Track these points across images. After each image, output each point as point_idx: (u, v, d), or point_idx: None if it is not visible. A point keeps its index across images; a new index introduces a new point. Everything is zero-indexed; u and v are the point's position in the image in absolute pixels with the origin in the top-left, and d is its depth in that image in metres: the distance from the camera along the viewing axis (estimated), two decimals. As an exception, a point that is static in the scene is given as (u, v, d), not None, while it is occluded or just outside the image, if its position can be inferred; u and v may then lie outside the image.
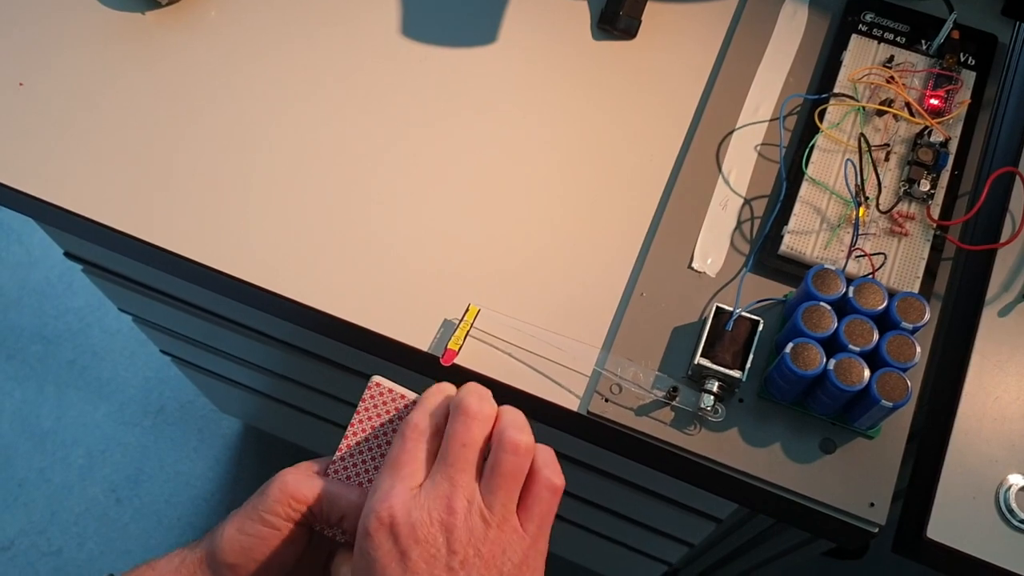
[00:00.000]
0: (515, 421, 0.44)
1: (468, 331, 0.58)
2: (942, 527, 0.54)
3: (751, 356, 0.55)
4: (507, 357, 0.59)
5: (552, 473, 0.43)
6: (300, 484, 0.46)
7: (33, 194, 0.63)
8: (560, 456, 0.74)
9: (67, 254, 0.82)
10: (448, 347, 0.57)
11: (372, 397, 0.48)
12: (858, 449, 0.55)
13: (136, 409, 1.40)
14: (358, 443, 0.48)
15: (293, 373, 0.93)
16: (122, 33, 0.69)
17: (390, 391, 0.48)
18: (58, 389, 1.41)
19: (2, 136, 0.65)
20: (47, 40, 0.68)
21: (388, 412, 0.48)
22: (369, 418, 0.48)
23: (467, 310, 0.59)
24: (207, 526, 1.31)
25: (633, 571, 1.07)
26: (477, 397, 0.44)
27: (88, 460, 1.36)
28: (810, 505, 0.55)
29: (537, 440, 0.44)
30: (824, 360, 0.52)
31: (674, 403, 0.56)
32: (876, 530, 0.54)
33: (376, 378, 0.49)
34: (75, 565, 1.29)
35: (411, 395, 0.48)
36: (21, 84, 0.67)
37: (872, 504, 0.54)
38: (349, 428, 0.48)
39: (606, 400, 0.57)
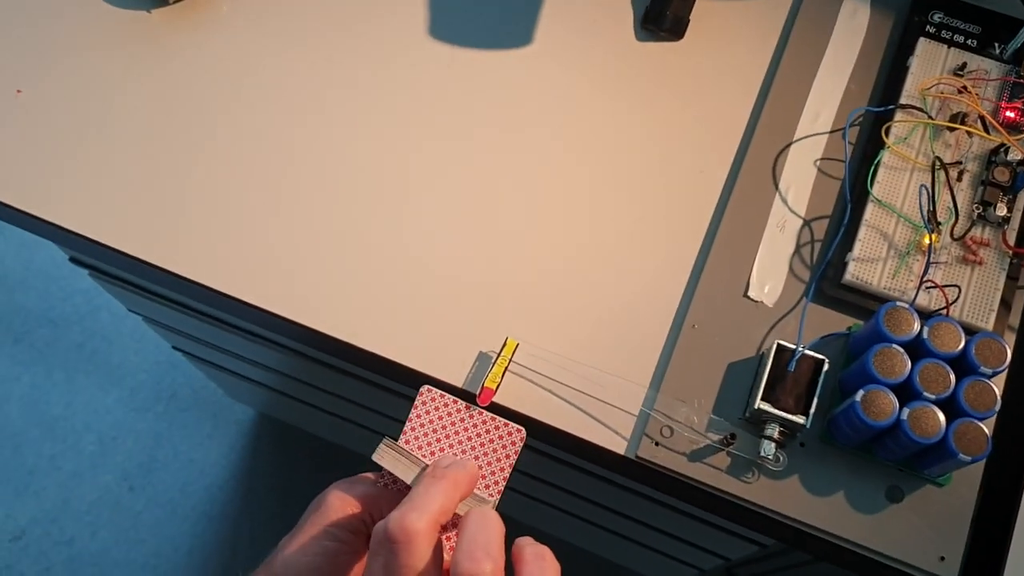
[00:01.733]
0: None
1: (506, 367, 0.54)
2: (1018, 585, 0.51)
3: (815, 400, 0.51)
4: (548, 395, 0.55)
5: None
6: (356, 493, 0.44)
7: (33, 212, 0.59)
8: (594, 477, 0.71)
9: (72, 260, 0.78)
10: (485, 385, 0.53)
11: (424, 404, 0.48)
12: (927, 498, 0.52)
13: (148, 395, 1.37)
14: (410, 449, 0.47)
15: (308, 377, 0.89)
16: (127, 34, 0.64)
17: (441, 396, 0.48)
18: (67, 374, 1.38)
19: None
20: (45, 43, 0.63)
21: (440, 418, 0.48)
22: (421, 424, 0.48)
23: (504, 344, 0.55)
24: (222, 515, 1.29)
25: (661, 571, 1.05)
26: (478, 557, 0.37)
27: (100, 447, 1.33)
28: (876, 558, 0.51)
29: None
30: (897, 409, 0.48)
31: (731, 449, 0.52)
32: (947, 586, 0.51)
33: (426, 387, 0.48)
34: (88, 555, 1.27)
35: (462, 403, 0.48)
36: (19, 92, 0.62)
37: (942, 558, 0.51)
38: (402, 436, 0.47)
39: (656, 444, 0.53)
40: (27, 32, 0.64)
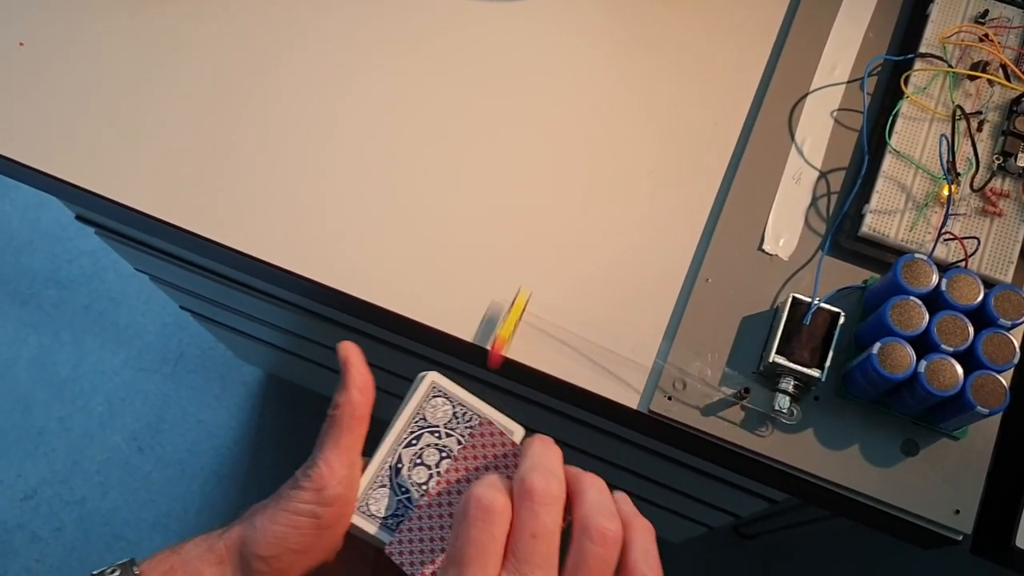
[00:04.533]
0: (600, 503, 0.37)
1: (519, 318, 0.54)
2: (1034, 537, 0.50)
3: (831, 353, 0.50)
4: (560, 346, 0.54)
5: (649, 568, 0.36)
6: (334, 469, 0.41)
7: (38, 167, 0.58)
8: (606, 434, 0.71)
9: (78, 218, 0.77)
10: (497, 335, 0.53)
11: (424, 391, 0.44)
12: (942, 451, 0.51)
13: (155, 356, 1.37)
14: (398, 436, 0.44)
15: (316, 335, 0.89)
16: (131, -17, 0.62)
17: (448, 389, 0.44)
18: (74, 336, 1.38)
19: (1, 102, 0.60)
20: (49, -7, 0.62)
21: (441, 411, 0.44)
22: (417, 411, 0.44)
23: (517, 294, 0.54)
24: (231, 475, 1.29)
25: (671, 529, 1.05)
26: (543, 473, 0.36)
27: (108, 408, 1.34)
28: (890, 511, 0.51)
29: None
30: (914, 361, 0.48)
31: (744, 403, 0.52)
32: (960, 538, 0.51)
33: (432, 375, 0.44)
34: (100, 514, 1.28)
35: (469, 399, 0.44)
36: (21, 44, 0.61)
37: (957, 511, 0.50)
38: (393, 426, 0.43)
39: (669, 398, 0.53)
40: (28, -18, 0.62)
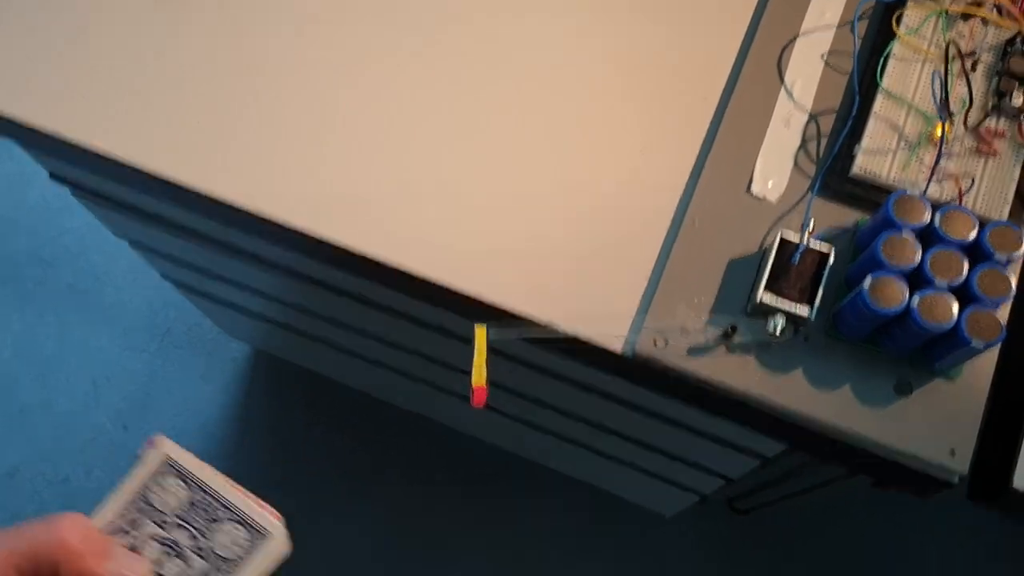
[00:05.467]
0: None
1: (485, 357, 0.50)
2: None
3: (820, 291, 0.49)
4: (543, 287, 0.53)
5: None
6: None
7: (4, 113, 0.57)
8: (590, 391, 0.69)
9: (52, 175, 0.76)
10: (473, 384, 0.50)
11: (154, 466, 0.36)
12: (937, 391, 0.50)
13: (141, 334, 1.35)
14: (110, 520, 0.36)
15: (306, 301, 0.88)
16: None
17: (186, 467, 0.36)
18: (59, 315, 1.36)
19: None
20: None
21: (173, 495, 0.36)
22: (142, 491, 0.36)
23: (475, 335, 0.50)
24: (218, 453, 1.28)
25: (659, 498, 1.04)
26: None
27: (93, 387, 1.32)
28: (884, 455, 0.50)
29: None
30: (907, 296, 0.47)
31: (733, 341, 0.51)
32: (956, 480, 0.50)
33: (165, 445, 0.37)
34: (84, 493, 1.26)
35: (215, 481, 0.36)
36: (-6, -15, 0.59)
37: (953, 452, 0.49)
38: (105, 505, 0.36)
39: (655, 342, 0.51)
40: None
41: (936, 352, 0.49)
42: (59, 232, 1.41)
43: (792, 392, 0.50)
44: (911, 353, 0.50)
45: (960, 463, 0.49)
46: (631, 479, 0.94)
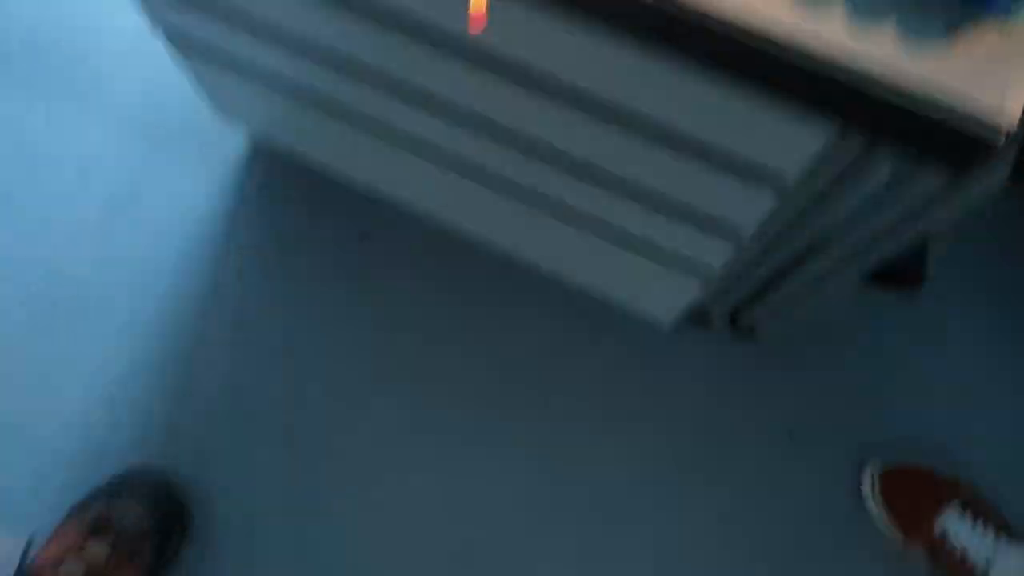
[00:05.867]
0: None
1: None
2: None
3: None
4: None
5: None
6: None
7: None
8: (566, 104, 0.64)
9: None
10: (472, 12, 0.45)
11: None
12: (990, 36, 0.47)
13: (133, 124, 1.30)
14: None
15: (331, 39, 0.82)
16: None
17: None
18: (47, 102, 1.31)
19: None
20: None
21: None
22: None
23: None
24: (209, 248, 1.25)
25: (652, 295, 1.00)
26: None
27: (81, 175, 1.28)
28: (920, 110, 0.46)
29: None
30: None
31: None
32: (1002, 140, 0.46)
33: None
34: (67, 276, 1.23)
35: None
36: None
37: (1001, 107, 0.46)
38: None
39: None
40: None
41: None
42: (56, 18, 1.35)
43: (827, 33, 0.46)
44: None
45: (1008, 117, 0.46)
46: (610, 261, 0.90)
